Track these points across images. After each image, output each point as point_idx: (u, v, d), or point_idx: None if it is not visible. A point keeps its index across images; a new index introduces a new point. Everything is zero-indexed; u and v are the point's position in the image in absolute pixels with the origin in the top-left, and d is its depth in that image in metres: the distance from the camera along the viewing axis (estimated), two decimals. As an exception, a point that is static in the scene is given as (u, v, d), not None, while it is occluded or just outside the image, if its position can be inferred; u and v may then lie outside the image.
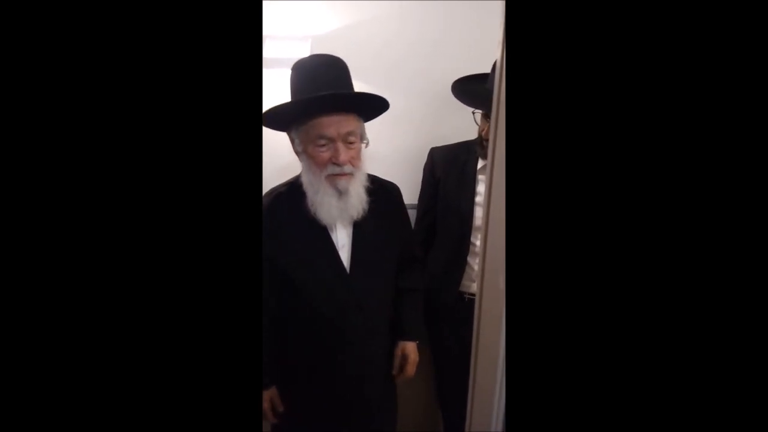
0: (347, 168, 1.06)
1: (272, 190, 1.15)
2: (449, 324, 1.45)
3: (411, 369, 1.23)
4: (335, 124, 1.03)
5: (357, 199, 1.08)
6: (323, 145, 1.04)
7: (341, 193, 1.06)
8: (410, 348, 1.23)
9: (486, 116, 1.34)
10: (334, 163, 1.04)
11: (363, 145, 1.10)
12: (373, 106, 1.10)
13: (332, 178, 1.06)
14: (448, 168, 1.45)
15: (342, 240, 1.13)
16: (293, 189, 1.13)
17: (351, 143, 1.06)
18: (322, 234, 1.11)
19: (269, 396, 1.14)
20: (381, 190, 1.18)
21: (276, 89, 1.42)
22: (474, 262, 1.42)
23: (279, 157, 1.30)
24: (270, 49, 1.41)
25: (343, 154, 1.04)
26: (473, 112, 1.37)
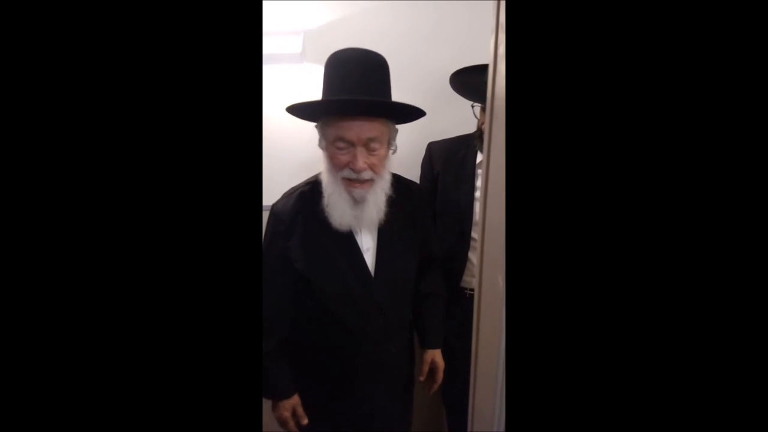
0: (365, 174, 1.00)
1: (294, 189, 1.11)
2: (451, 320, 1.43)
3: (441, 376, 1.24)
4: (356, 129, 0.97)
5: (374, 208, 1.03)
6: (342, 148, 0.99)
7: (357, 202, 1.02)
8: (438, 356, 1.23)
9: (485, 109, 1.32)
10: (351, 169, 1.00)
11: (390, 152, 1.05)
12: (406, 112, 1.05)
13: (348, 183, 1.01)
14: (447, 162, 1.43)
15: (367, 243, 1.09)
16: (315, 189, 1.09)
17: (373, 150, 1.00)
18: (347, 237, 1.07)
19: (291, 405, 1.11)
20: (405, 191, 1.15)
21: (269, 85, 1.40)
22: (474, 258, 1.40)
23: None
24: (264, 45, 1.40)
25: (361, 161, 0.98)
26: (472, 106, 1.35)
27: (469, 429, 0.93)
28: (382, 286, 1.09)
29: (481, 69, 1.34)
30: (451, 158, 1.42)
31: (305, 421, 1.11)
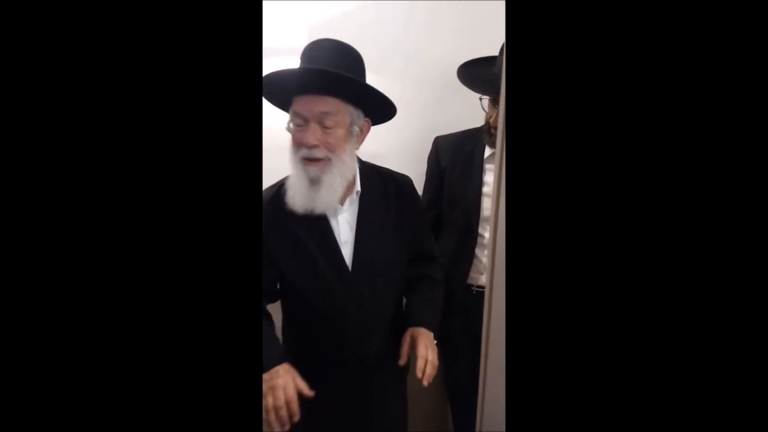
0: (318, 152, 0.97)
1: (275, 184, 1.11)
2: (457, 317, 1.42)
3: (423, 350, 1.02)
4: (309, 103, 0.96)
5: (328, 191, 1.00)
6: (300, 125, 0.98)
7: (312, 182, 0.99)
8: (418, 333, 1.06)
9: (494, 102, 1.30)
10: (305, 146, 0.98)
11: (351, 135, 1.01)
12: (374, 102, 1.02)
13: (305, 162, 0.99)
14: (454, 157, 1.41)
15: (345, 235, 1.07)
16: None
17: (328, 127, 0.98)
18: (324, 229, 1.06)
19: (286, 371, 0.95)
20: (391, 183, 1.13)
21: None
22: (482, 254, 1.38)
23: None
24: (266, 40, 1.38)
25: (312, 136, 0.96)
26: (480, 99, 1.33)
27: (477, 429, 0.92)
28: (360, 281, 1.07)
29: (490, 61, 1.32)
30: (458, 153, 1.40)
31: (309, 393, 0.97)
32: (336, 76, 0.95)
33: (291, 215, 1.04)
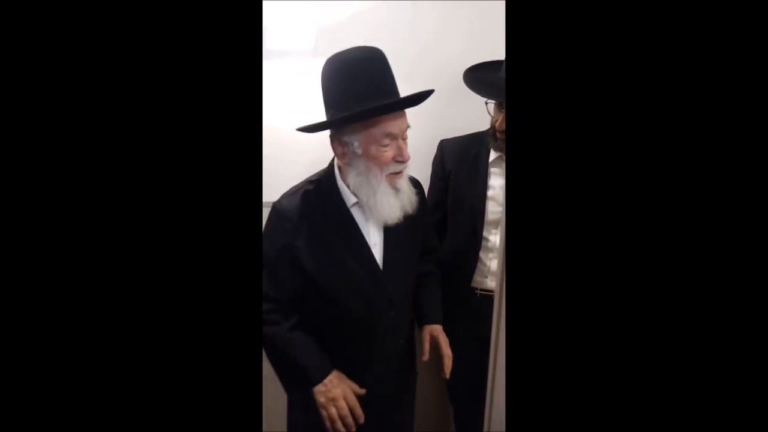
0: (405, 164, 1.05)
1: (297, 188, 1.11)
2: (461, 320, 1.42)
3: (446, 348, 1.17)
4: (398, 122, 1.01)
5: (409, 193, 1.07)
6: (387, 145, 1.01)
7: (398, 191, 1.05)
8: (436, 330, 1.19)
9: (500, 106, 1.30)
10: (398, 161, 1.03)
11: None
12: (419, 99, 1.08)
13: (392, 176, 1.04)
14: (459, 160, 1.41)
15: (374, 238, 1.10)
16: (321, 187, 1.09)
17: (404, 139, 1.04)
18: (354, 233, 1.08)
19: (338, 378, 1.06)
20: None
21: (281, 80, 1.39)
22: (486, 257, 1.39)
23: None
24: (274, 41, 1.38)
25: (406, 150, 1.03)
26: (486, 103, 1.33)
27: (485, 429, 0.92)
28: (392, 280, 1.10)
29: (496, 65, 1.33)
30: (463, 156, 1.41)
31: (362, 391, 1.07)
32: (422, 94, 1.02)
33: (319, 222, 1.06)
